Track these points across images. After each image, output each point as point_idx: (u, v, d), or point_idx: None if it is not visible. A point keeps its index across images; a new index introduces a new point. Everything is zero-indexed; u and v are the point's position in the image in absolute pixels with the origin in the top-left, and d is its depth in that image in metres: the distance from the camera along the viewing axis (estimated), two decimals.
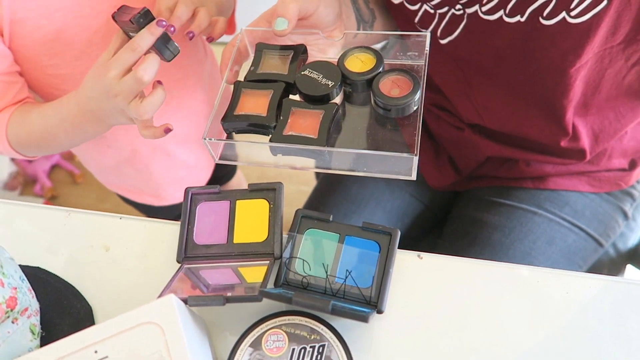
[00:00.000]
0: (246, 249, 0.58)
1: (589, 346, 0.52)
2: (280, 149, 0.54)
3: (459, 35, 0.65)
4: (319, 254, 0.56)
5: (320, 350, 0.51)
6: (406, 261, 0.57)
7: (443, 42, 0.67)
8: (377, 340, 0.53)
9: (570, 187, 0.78)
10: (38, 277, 0.59)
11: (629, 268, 0.87)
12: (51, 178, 1.83)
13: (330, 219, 0.58)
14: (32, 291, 0.54)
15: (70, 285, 0.59)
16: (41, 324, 0.55)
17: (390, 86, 0.54)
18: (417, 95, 0.53)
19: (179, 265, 0.57)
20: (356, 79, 0.55)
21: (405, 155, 0.51)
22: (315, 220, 0.58)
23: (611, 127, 0.71)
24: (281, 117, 0.54)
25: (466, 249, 0.78)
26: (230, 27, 0.88)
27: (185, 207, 0.60)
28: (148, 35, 0.54)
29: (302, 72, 0.56)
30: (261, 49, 0.60)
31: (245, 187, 0.61)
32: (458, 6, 0.62)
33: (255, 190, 0.61)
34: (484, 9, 0.60)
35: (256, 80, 0.58)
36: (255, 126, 0.55)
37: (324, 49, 0.62)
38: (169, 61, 0.58)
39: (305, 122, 0.54)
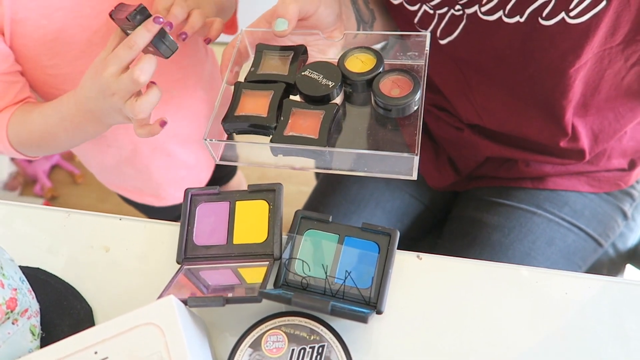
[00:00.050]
0: (246, 250, 0.58)
1: (587, 346, 0.52)
2: (281, 149, 0.54)
3: (459, 35, 0.65)
4: (318, 255, 0.57)
5: (320, 351, 0.51)
6: (405, 262, 0.57)
7: (442, 42, 0.67)
8: (377, 341, 0.53)
9: (570, 187, 0.79)
10: (38, 278, 0.59)
11: (629, 268, 0.87)
12: (51, 178, 1.83)
13: (330, 219, 0.58)
14: (32, 292, 0.55)
15: (70, 286, 0.59)
16: (41, 325, 0.55)
17: (391, 86, 0.55)
18: (418, 95, 0.53)
19: (179, 266, 0.57)
20: (356, 79, 0.55)
21: (405, 155, 0.51)
22: (314, 221, 0.58)
23: (610, 128, 0.71)
24: (282, 118, 0.54)
25: (466, 249, 0.78)
26: (233, 27, 0.87)
27: (185, 208, 0.60)
28: (145, 32, 0.54)
29: (303, 73, 0.56)
30: (261, 49, 0.60)
31: (246, 187, 0.61)
32: (457, 7, 0.62)
33: (255, 191, 0.61)
34: (483, 9, 0.60)
35: (256, 81, 0.58)
36: (255, 127, 0.55)
37: (324, 50, 0.62)
38: (167, 57, 0.58)
39: (305, 122, 0.54)
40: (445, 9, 0.64)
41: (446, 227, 0.87)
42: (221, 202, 0.61)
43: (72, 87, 0.66)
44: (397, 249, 0.56)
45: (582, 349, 0.52)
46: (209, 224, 0.60)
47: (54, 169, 1.85)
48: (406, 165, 0.52)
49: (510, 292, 0.55)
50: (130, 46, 0.55)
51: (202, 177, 1.02)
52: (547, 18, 0.57)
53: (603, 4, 0.53)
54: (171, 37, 0.57)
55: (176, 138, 0.91)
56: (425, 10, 0.65)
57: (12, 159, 1.82)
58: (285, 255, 0.56)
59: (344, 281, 0.54)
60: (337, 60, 0.57)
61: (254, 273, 0.55)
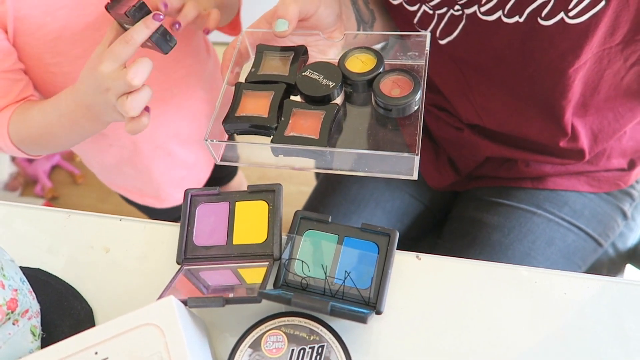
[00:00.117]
0: (245, 250, 0.58)
1: (587, 346, 0.52)
2: (282, 149, 0.54)
3: (458, 35, 0.65)
4: (318, 255, 0.57)
5: (320, 351, 0.51)
6: (405, 262, 0.57)
7: (442, 42, 0.67)
8: (376, 341, 0.53)
9: (570, 187, 0.79)
10: (38, 279, 0.59)
11: (629, 268, 0.87)
12: (52, 179, 1.83)
13: (329, 220, 0.58)
14: (33, 293, 0.55)
15: (71, 286, 0.59)
16: (42, 325, 0.55)
17: (391, 86, 0.55)
18: (418, 95, 0.53)
19: (179, 266, 0.57)
20: (357, 79, 0.55)
21: (406, 154, 0.51)
22: (314, 222, 0.59)
23: (610, 128, 0.71)
24: (282, 118, 0.54)
25: (466, 249, 0.78)
26: (236, 29, 0.88)
27: (185, 209, 0.60)
28: (143, 29, 0.54)
29: (303, 73, 0.56)
30: (262, 50, 0.60)
31: (246, 188, 0.61)
32: (457, 7, 0.62)
33: (255, 192, 0.61)
34: (483, 9, 0.60)
35: (257, 82, 0.58)
36: (256, 127, 0.55)
37: (325, 50, 0.62)
38: (166, 53, 0.57)
39: (306, 122, 0.54)
40: (444, 9, 0.64)
41: (446, 227, 0.87)
42: (221, 202, 0.61)
43: None
44: (397, 249, 0.56)
45: (581, 349, 0.52)
46: (208, 224, 0.60)
47: (54, 170, 1.85)
48: (407, 165, 0.52)
49: (509, 292, 0.55)
50: (127, 42, 0.54)
51: (201, 176, 1.02)
52: (546, 18, 0.57)
53: (602, 4, 0.54)
54: (170, 33, 0.56)
55: (177, 138, 0.91)
56: (424, 11, 0.65)
57: (13, 160, 1.82)
58: (285, 255, 0.56)
59: (344, 281, 0.54)
60: (337, 61, 0.57)
61: (254, 273, 0.55)
